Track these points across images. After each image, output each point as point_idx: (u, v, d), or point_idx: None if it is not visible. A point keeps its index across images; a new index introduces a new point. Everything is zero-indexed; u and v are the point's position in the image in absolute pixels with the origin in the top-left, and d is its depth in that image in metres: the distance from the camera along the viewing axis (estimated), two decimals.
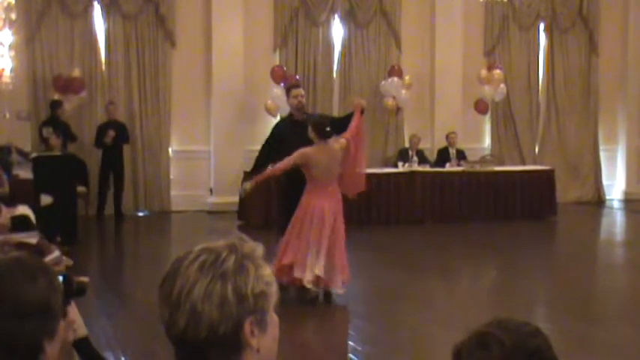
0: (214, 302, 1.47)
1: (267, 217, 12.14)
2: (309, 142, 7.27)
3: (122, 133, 13.03)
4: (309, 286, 7.11)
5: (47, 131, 11.35)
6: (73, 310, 1.77)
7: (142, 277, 9.01)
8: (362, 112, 7.74)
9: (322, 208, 7.17)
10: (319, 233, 7.11)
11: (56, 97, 12.71)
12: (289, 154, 7.28)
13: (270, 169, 7.62)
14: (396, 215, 12.58)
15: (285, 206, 7.81)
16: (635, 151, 15.98)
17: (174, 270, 1.52)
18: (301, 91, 8.18)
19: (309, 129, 7.24)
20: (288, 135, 7.78)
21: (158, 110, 13.73)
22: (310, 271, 7.05)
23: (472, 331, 1.58)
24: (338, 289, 7.26)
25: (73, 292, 1.86)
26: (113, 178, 13.08)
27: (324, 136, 7.21)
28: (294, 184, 7.47)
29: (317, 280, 7.11)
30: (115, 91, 13.43)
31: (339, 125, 7.71)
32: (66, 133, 12.12)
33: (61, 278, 1.80)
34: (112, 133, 12.72)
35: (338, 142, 7.38)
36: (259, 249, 1.58)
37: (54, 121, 12.35)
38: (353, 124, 7.58)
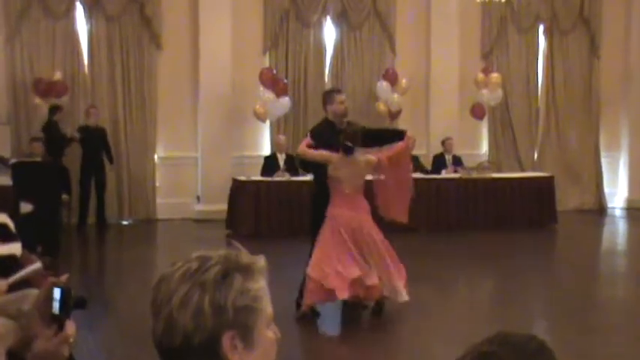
0: (189, 311, 1.49)
1: (257, 226, 12.16)
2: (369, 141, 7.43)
3: (101, 140, 12.97)
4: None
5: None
6: (71, 326, 1.79)
7: (126, 287, 9.00)
8: (409, 146, 7.67)
9: (345, 219, 7.18)
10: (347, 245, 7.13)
11: (37, 101, 12.70)
12: (333, 169, 7.30)
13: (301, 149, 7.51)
14: (390, 223, 12.57)
15: (315, 217, 7.65)
16: (638, 157, 16.05)
17: (163, 276, 1.55)
18: (344, 96, 7.94)
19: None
20: (333, 145, 7.40)
21: (143, 115, 13.73)
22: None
23: (473, 347, 1.56)
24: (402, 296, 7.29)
25: (71, 305, 1.88)
26: (95, 184, 13.06)
27: (344, 150, 7.20)
28: (324, 194, 7.40)
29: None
30: (98, 95, 13.44)
31: (376, 137, 7.70)
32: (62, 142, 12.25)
33: (58, 291, 1.82)
34: (76, 137, 12.67)
35: (365, 157, 7.34)
36: (260, 262, 1.58)
37: (50, 126, 12.37)
38: (394, 150, 7.55)
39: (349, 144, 7.17)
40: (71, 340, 1.73)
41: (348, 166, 7.16)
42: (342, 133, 7.33)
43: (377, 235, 7.30)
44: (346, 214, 7.17)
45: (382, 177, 7.61)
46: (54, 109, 12.55)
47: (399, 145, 7.57)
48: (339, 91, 8.14)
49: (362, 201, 7.32)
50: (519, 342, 1.54)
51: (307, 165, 7.78)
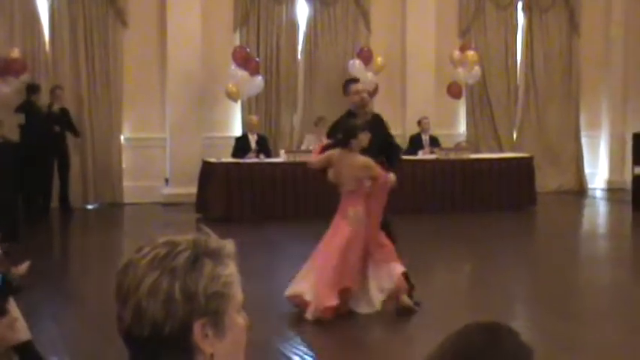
0: (159, 299, 1.45)
1: (228, 209, 12.10)
2: (375, 146, 7.10)
3: (65, 122, 12.80)
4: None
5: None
6: (13, 309, 1.74)
7: (91, 275, 8.93)
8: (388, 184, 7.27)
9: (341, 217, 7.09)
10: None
11: None
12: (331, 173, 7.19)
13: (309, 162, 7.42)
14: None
15: None
16: (619, 137, 16.16)
17: (129, 261, 1.51)
18: (361, 85, 7.79)
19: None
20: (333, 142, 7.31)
21: (108, 95, 13.57)
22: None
23: (446, 345, 1.53)
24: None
25: (12, 290, 1.83)
26: (57, 166, 12.88)
27: (336, 142, 7.07)
28: None
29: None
30: (60, 74, 13.24)
31: (383, 147, 7.46)
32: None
33: None
34: (57, 129, 12.55)
35: (365, 158, 6.99)
36: (229, 246, 1.55)
37: (29, 107, 12.20)
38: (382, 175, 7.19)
39: (339, 135, 7.02)
40: (17, 323, 1.68)
41: (346, 163, 6.96)
42: (342, 123, 7.21)
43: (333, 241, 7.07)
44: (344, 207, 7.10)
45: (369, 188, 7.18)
46: (32, 88, 12.39)
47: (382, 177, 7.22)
48: (354, 81, 7.95)
49: (345, 203, 7.12)
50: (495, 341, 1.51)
51: (323, 174, 7.43)
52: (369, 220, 7.08)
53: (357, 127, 7.07)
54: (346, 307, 6.99)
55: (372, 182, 7.08)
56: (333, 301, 6.84)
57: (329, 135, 7.69)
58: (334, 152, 7.09)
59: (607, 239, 11.89)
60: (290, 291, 7.04)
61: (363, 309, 7.00)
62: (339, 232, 7.05)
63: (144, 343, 1.48)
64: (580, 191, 15.96)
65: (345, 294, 6.95)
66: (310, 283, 6.94)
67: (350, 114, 7.62)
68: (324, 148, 7.35)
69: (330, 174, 7.20)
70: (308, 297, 6.84)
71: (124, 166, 13.77)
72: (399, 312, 6.98)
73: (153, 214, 12.89)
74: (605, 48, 16.30)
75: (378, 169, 7.08)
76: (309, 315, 6.78)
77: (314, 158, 7.40)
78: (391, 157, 7.54)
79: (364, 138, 6.97)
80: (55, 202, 12.91)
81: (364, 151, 7.00)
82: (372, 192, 7.11)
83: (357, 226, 7.02)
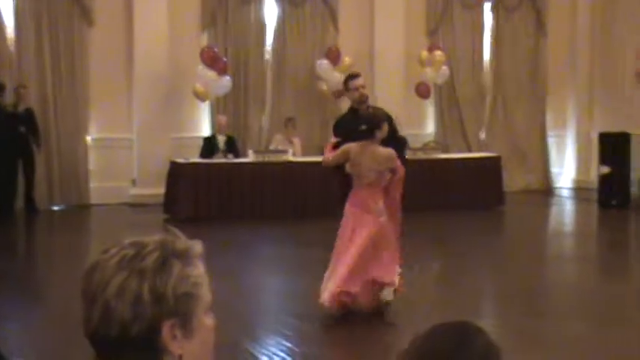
0: (128, 300, 1.46)
1: (196, 210, 12.07)
2: (383, 139, 6.98)
3: (30, 125, 12.67)
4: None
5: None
6: None
7: (57, 276, 8.86)
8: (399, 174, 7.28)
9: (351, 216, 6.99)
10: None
11: None
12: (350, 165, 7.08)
13: (323, 159, 7.30)
14: (333, 207, 12.56)
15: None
16: (585, 137, 16.34)
17: (96, 262, 1.52)
18: (361, 80, 7.66)
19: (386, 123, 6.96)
20: (354, 134, 7.18)
21: (74, 94, 13.47)
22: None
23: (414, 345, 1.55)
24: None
25: None
26: (22, 166, 12.75)
27: (360, 134, 6.92)
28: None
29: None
30: (24, 73, 13.11)
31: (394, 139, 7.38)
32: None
33: None
34: (22, 130, 12.43)
35: (388, 149, 6.94)
36: (196, 247, 1.56)
37: None
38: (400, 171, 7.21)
39: (364, 127, 6.89)
40: None
41: (368, 154, 6.85)
42: (361, 115, 7.14)
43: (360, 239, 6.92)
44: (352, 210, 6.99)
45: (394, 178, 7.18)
46: None
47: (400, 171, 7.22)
48: (354, 76, 7.78)
49: (365, 197, 6.98)
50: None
51: (338, 170, 7.32)
52: (388, 214, 7.04)
53: (381, 117, 7.05)
54: (365, 302, 6.85)
55: (390, 175, 7.02)
56: (353, 288, 6.70)
57: (335, 132, 7.55)
58: (351, 146, 6.95)
59: (573, 237, 12.04)
60: (325, 296, 6.75)
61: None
62: (369, 225, 6.88)
63: (111, 344, 1.48)
64: (547, 190, 16.12)
65: (368, 286, 6.83)
66: (337, 274, 6.77)
67: (352, 110, 7.56)
68: (336, 146, 7.21)
69: (348, 168, 7.06)
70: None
71: (90, 166, 13.67)
72: (378, 308, 6.97)
73: (120, 215, 12.82)
74: (571, 48, 16.49)
75: (398, 162, 7.05)
76: (324, 300, 6.61)
77: (328, 155, 7.21)
78: (398, 150, 7.42)
79: (386, 129, 6.95)
80: (20, 203, 12.79)
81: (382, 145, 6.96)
82: (389, 185, 7.08)
83: (384, 219, 6.95)
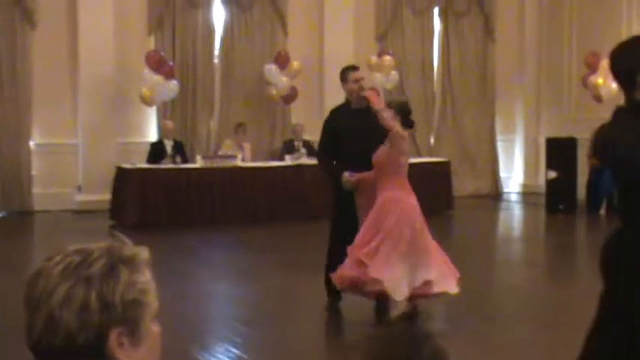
0: (74, 309, 1.44)
1: (143, 216, 11.96)
2: (374, 135, 6.91)
3: None
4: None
5: None
6: None
7: None
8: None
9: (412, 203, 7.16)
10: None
11: None
12: (353, 150, 7.05)
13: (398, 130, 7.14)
14: (285, 212, 12.60)
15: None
16: (533, 142, 16.61)
17: (39, 270, 1.50)
18: (360, 73, 7.55)
19: (393, 113, 6.92)
20: (348, 129, 7.19)
21: (16, 98, 13.28)
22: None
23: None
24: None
25: None
26: None
27: (408, 124, 7.04)
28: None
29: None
30: None
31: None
32: None
33: None
34: None
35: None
36: (143, 253, 1.55)
37: None
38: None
39: (412, 119, 7.15)
40: None
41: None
42: (397, 105, 7.14)
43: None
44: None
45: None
46: None
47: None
48: (353, 68, 7.61)
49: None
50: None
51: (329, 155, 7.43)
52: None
53: (408, 103, 7.29)
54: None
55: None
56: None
57: (326, 127, 7.50)
58: (406, 134, 7.17)
59: (521, 242, 12.21)
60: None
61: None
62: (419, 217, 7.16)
63: (55, 354, 1.46)
64: (496, 195, 16.34)
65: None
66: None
67: (346, 103, 7.50)
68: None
69: (403, 159, 7.23)
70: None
71: (33, 172, 13.48)
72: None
73: (65, 221, 12.65)
74: (519, 53, 16.74)
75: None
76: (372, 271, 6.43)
77: (399, 129, 7.11)
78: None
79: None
80: None
81: (375, 141, 6.95)
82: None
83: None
